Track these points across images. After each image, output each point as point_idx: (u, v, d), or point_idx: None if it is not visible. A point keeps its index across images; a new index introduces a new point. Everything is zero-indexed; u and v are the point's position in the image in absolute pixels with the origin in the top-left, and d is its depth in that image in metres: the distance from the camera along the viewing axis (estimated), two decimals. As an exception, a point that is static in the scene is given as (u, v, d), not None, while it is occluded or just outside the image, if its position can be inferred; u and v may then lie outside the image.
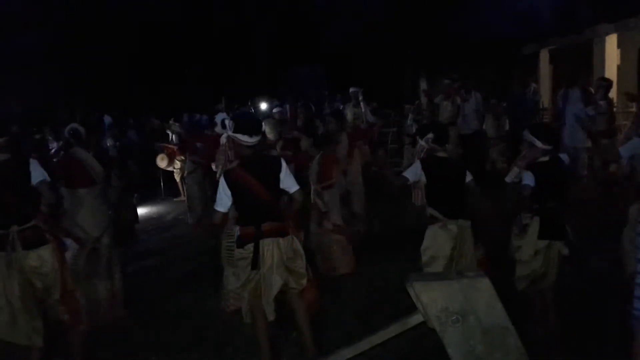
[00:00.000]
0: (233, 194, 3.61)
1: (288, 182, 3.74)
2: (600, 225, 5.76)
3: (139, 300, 5.23)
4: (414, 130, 8.51)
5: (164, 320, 4.87)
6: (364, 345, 3.05)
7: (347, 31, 18.54)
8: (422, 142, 4.35)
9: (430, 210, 4.06)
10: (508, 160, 8.94)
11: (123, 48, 18.08)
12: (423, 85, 13.98)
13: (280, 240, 3.64)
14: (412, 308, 2.91)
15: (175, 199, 10.52)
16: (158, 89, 17.66)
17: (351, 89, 9.28)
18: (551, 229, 3.84)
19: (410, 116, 10.15)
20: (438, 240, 3.98)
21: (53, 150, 5.87)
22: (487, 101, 9.33)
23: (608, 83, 8.12)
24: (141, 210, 9.82)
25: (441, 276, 3.31)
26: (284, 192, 3.77)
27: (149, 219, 9.39)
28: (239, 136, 3.64)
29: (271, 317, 3.68)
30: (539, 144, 3.89)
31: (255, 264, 3.58)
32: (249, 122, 3.77)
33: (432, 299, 2.76)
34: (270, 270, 3.60)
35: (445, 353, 2.76)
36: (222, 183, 3.64)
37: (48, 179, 3.81)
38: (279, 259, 3.62)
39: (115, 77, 17.72)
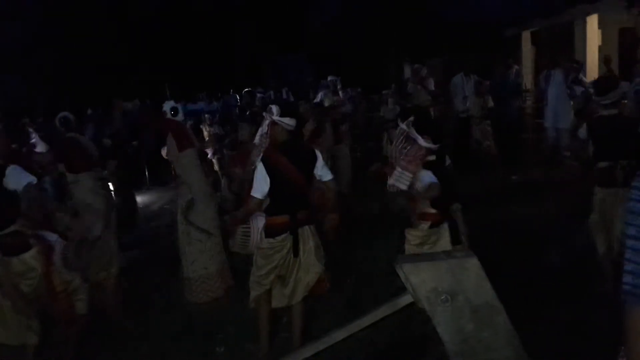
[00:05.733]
0: (270, 180, 3.49)
1: (323, 170, 3.69)
2: (582, 206, 5.81)
3: (127, 291, 5.19)
4: (396, 114, 8.50)
5: (153, 309, 4.85)
6: (355, 327, 3.06)
7: (330, 18, 18.45)
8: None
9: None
10: (494, 138, 9.02)
11: (104, 39, 17.80)
12: (407, 70, 13.95)
13: (312, 227, 3.64)
14: (401, 289, 2.92)
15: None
16: (141, 79, 17.42)
17: (329, 78, 9.52)
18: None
19: (391, 100, 10.08)
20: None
21: (33, 141, 5.79)
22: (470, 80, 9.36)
23: (579, 65, 8.52)
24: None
25: (430, 257, 3.33)
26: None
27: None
28: (286, 120, 3.58)
29: (286, 302, 3.70)
30: (422, 142, 3.68)
31: (296, 252, 3.55)
32: (291, 105, 3.75)
33: (421, 280, 2.77)
34: (309, 256, 3.60)
35: (436, 333, 2.79)
36: (261, 168, 3.51)
37: (34, 180, 3.65)
38: (313, 245, 3.62)
39: (95, 68, 17.44)
